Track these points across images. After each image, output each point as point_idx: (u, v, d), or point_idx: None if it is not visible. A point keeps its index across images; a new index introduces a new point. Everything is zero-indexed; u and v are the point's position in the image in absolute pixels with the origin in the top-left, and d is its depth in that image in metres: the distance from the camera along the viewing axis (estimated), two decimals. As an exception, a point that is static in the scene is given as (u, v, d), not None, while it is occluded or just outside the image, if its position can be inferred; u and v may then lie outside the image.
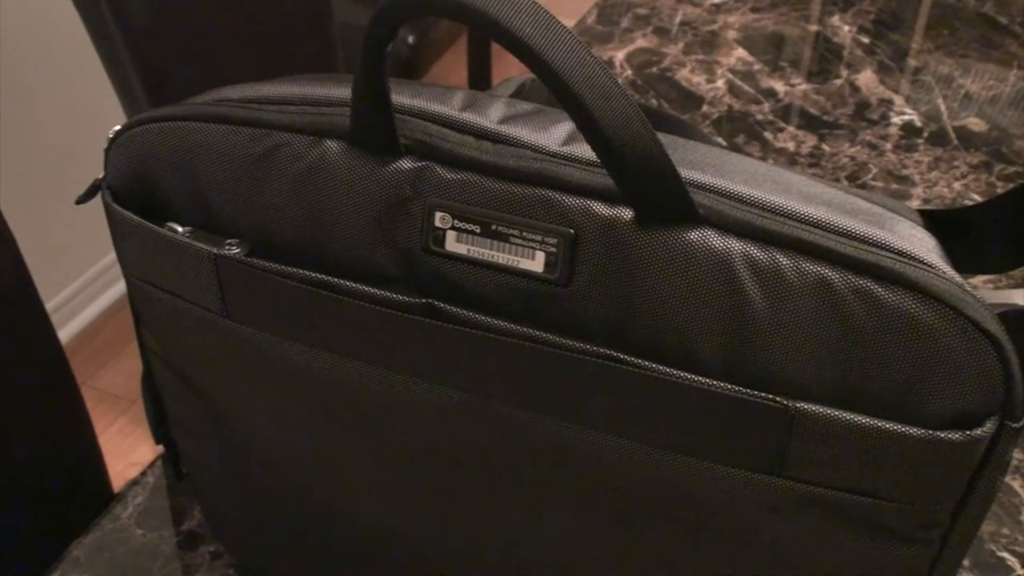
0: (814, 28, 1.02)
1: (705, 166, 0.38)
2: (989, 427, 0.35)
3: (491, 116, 0.40)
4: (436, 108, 0.40)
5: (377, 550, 0.49)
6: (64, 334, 1.79)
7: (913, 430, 0.35)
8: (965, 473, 0.36)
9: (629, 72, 0.95)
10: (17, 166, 1.61)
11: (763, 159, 0.83)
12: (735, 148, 0.85)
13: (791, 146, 0.86)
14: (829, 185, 0.39)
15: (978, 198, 0.80)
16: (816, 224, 0.36)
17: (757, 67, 0.96)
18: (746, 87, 0.93)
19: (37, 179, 1.65)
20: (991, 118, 0.89)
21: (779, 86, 0.93)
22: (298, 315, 0.41)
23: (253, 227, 0.42)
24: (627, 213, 0.37)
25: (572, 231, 0.37)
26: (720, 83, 0.94)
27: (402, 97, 0.41)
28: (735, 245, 0.36)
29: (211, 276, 0.42)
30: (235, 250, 0.42)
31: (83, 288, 1.83)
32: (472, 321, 0.39)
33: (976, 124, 0.88)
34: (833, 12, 1.04)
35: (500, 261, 0.38)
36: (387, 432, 0.43)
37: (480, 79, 1.76)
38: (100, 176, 0.45)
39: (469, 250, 0.39)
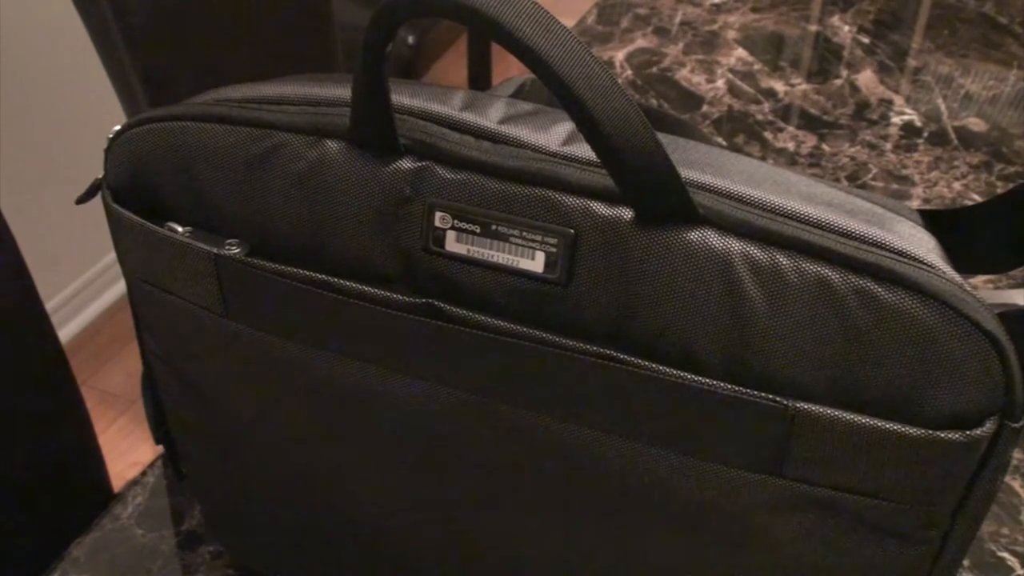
0: (814, 28, 1.02)
1: (705, 166, 0.38)
2: (989, 427, 0.35)
3: (491, 116, 0.40)
4: (436, 108, 0.40)
5: (376, 549, 0.49)
6: (64, 334, 1.79)
7: (913, 430, 0.35)
8: (965, 473, 0.36)
9: (629, 72, 0.95)
10: (17, 166, 1.61)
11: (763, 159, 0.83)
12: (735, 148, 0.85)
13: (791, 146, 0.86)
14: (829, 185, 0.39)
15: (978, 198, 0.80)
16: (816, 224, 0.36)
17: (757, 67, 0.96)
18: (746, 87, 0.93)
19: (37, 179, 1.65)
20: (991, 118, 0.89)
21: (779, 86, 0.93)
22: (298, 315, 0.41)
23: (253, 227, 0.42)
24: (627, 213, 0.37)
25: (572, 231, 0.37)
26: (720, 83, 0.94)
27: (402, 97, 0.41)
28: (735, 245, 0.36)
29: (211, 276, 0.42)
30: (235, 250, 0.42)
31: (83, 288, 1.83)
32: (472, 321, 0.39)
33: (976, 124, 0.88)
34: (833, 12, 1.04)
35: (500, 261, 0.38)
36: (387, 432, 0.43)
37: (480, 79, 1.76)
38: (100, 176, 0.45)
39: (469, 250, 0.39)
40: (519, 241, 0.38)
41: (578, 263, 0.37)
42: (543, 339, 0.38)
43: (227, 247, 0.42)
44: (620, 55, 0.98)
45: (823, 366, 0.36)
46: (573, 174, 0.37)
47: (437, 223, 0.39)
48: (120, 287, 1.88)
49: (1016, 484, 0.60)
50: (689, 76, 0.95)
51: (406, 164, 0.39)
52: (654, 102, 0.91)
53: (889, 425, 0.35)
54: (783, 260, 0.36)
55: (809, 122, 0.89)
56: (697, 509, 0.39)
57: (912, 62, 0.96)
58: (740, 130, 0.88)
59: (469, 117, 0.40)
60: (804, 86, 0.93)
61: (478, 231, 0.38)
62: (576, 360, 0.37)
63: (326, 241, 0.41)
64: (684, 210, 0.36)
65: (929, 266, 0.35)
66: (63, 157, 1.68)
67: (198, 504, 0.58)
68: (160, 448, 0.56)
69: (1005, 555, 0.56)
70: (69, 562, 0.57)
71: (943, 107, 0.90)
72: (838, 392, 0.36)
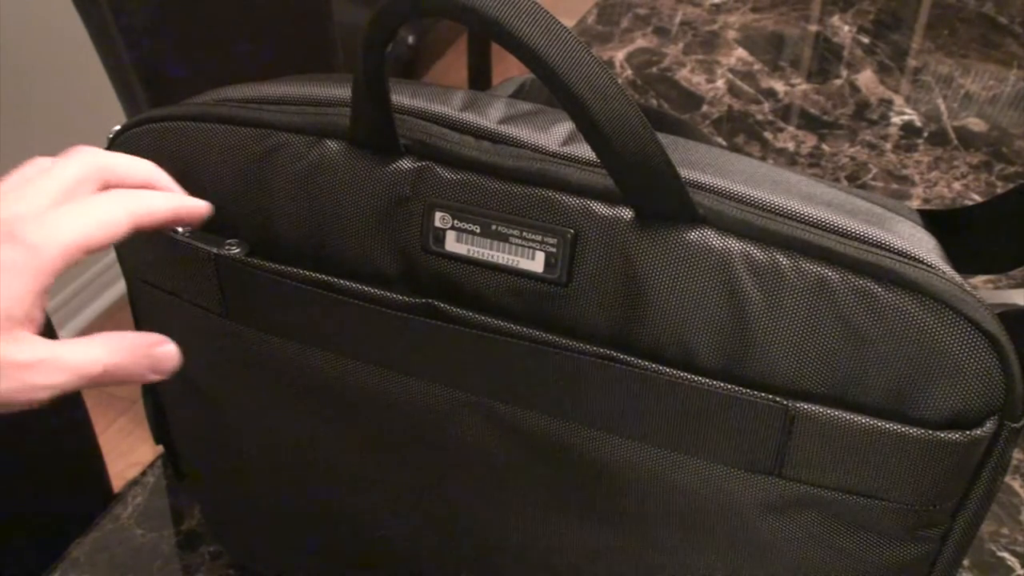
0: (814, 28, 1.02)
1: (705, 166, 0.38)
2: (989, 427, 0.35)
3: (491, 116, 0.40)
4: (436, 108, 0.40)
5: (374, 549, 0.49)
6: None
7: (913, 430, 0.35)
8: (965, 473, 0.36)
9: (629, 72, 0.95)
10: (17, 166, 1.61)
11: (763, 159, 0.83)
12: (735, 148, 0.85)
13: (791, 146, 0.86)
14: (829, 185, 0.39)
15: (978, 198, 0.80)
16: (816, 224, 0.36)
17: (757, 67, 0.96)
18: (746, 87, 0.93)
19: (37, 179, 1.65)
20: (991, 118, 0.89)
21: (779, 86, 0.93)
22: (298, 315, 0.41)
23: (253, 227, 0.42)
24: (627, 213, 0.37)
25: (572, 231, 0.37)
26: (720, 83, 0.94)
27: (402, 97, 0.41)
28: (735, 245, 0.36)
29: (211, 276, 0.42)
30: (235, 250, 0.42)
31: (83, 288, 1.83)
32: (472, 321, 0.39)
33: (976, 124, 0.88)
34: (833, 12, 1.04)
35: (500, 261, 0.38)
36: (386, 431, 0.43)
37: (480, 79, 1.76)
38: (100, 176, 0.45)
39: (469, 250, 0.39)
40: (519, 241, 0.38)
41: (578, 263, 0.37)
42: (543, 339, 0.38)
43: (227, 247, 0.42)
44: (620, 55, 0.98)
45: (823, 366, 0.36)
46: (573, 174, 0.37)
47: (437, 223, 0.39)
48: (120, 287, 1.88)
49: (1016, 484, 0.60)
50: (689, 76, 0.95)
51: (406, 164, 0.39)
52: (654, 102, 0.91)
53: (888, 425, 0.35)
54: (783, 260, 0.36)
55: (809, 122, 0.89)
56: (695, 508, 0.39)
57: (912, 62, 0.96)
58: (740, 130, 0.88)
59: (469, 117, 0.40)
60: (804, 86, 0.93)
61: (478, 231, 0.38)
62: (576, 360, 0.37)
63: (326, 241, 0.41)
64: (684, 210, 0.36)
65: (929, 266, 0.35)
66: (63, 157, 1.68)
67: (198, 504, 0.58)
68: (160, 448, 0.56)
69: (1005, 555, 0.56)
70: (69, 562, 0.57)
71: (943, 107, 0.90)
72: (838, 392, 0.36)
